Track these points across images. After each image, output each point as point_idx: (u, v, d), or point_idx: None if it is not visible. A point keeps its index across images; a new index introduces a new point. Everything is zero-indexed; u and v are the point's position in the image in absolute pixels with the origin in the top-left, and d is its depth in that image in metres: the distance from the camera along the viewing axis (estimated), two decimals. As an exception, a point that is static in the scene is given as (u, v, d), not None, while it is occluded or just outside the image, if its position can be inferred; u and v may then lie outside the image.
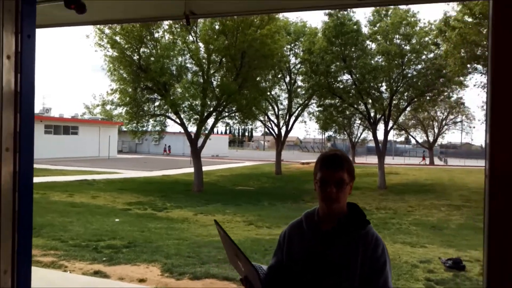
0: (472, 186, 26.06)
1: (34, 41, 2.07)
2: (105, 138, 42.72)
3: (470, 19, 16.78)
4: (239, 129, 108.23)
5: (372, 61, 24.21)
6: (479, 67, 18.36)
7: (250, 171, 34.98)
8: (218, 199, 20.24)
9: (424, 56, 23.80)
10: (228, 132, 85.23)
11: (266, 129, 36.22)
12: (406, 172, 34.76)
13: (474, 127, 46.72)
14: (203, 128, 23.31)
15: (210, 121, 23.81)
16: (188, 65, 22.68)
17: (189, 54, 21.86)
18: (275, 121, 31.83)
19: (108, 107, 22.32)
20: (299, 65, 29.58)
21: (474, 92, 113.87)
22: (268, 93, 28.40)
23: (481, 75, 18.94)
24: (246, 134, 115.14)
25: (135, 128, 23.01)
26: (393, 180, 27.82)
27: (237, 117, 25.88)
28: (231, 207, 18.20)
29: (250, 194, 23.10)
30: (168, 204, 18.32)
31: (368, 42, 24.69)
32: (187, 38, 21.93)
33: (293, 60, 30.09)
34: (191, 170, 25.37)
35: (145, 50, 21.78)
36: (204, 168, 24.25)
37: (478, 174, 34.46)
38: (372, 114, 25.94)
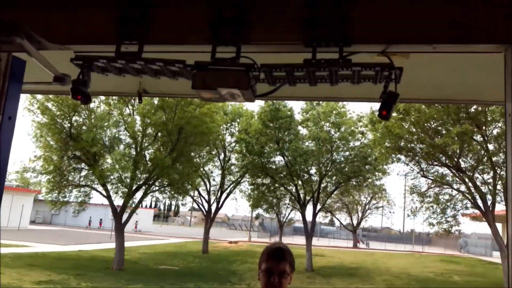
0: (394, 271, 26.87)
1: (15, 122, 2.00)
2: (17, 206, 39.16)
3: (394, 114, 18.43)
4: (165, 203, 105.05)
5: (304, 146, 25.30)
6: (402, 157, 19.88)
7: (175, 249, 33.52)
8: (140, 279, 18.94)
9: (351, 144, 25.37)
10: (153, 206, 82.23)
11: (194, 205, 35.46)
12: (332, 254, 35.27)
13: (393, 212, 49.26)
14: (131, 202, 22.29)
15: (139, 194, 22.91)
16: (122, 136, 22.18)
17: (124, 126, 21.46)
18: (206, 197, 31.40)
19: (28, 174, 20.80)
20: (234, 144, 30.11)
21: (394, 180, 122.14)
22: (201, 169, 28.27)
23: (404, 165, 20.51)
24: (173, 208, 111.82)
25: (55, 198, 21.46)
26: (319, 263, 27.98)
27: (167, 192, 25.18)
28: (153, 288, 17.06)
29: (175, 274, 21.90)
30: (83, 284, 16.75)
31: (300, 127, 25.99)
32: (124, 110, 21.69)
33: (228, 138, 30.66)
34: (111, 245, 23.74)
35: (78, 118, 21.10)
36: (125, 244, 22.86)
37: (398, 258, 35.81)
38: (301, 196, 26.54)
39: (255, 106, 36.35)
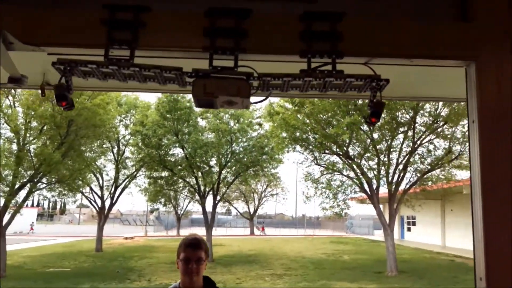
0: (290, 255, 28.25)
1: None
2: None
3: (290, 106, 19.27)
4: (49, 201, 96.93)
5: (204, 137, 25.18)
6: (298, 147, 20.87)
7: (64, 249, 31.16)
8: (26, 285, 17.30)
9: (250, 135, 25.89)
10: (37, 204, 75.39)
11: (83, 201, 33.31)
12: (230, 243, 35.86)
13: (287, 199, 51.62)
14: (14, 201, 20.15)
15: (24, 193, 20.79)
16: (2, 130, 19.86)
17: (3, 119, 19.21)
18: (99, 192, 29.66)
19: None
20: (129, 137, 28.79)
21: (288, 168, 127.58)
22: (94, 164, 26.58)
23: (300, 154, 21.59)
24: (58, 206, 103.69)
25: None
26: (219, 252, 28.26)
27: (56, 189, 23.24)
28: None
29: (67, 276, 20.36)
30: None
31: (200, 119, 25.79)
32: (3, 101, 19.40)
33: (123, 131, 29.21)
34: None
35: None
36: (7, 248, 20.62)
37: (293, 242, 37.72)
38: (202, 188, 26.46)
39: (153, 97, 35.14)
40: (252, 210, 49.47)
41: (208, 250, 2.58)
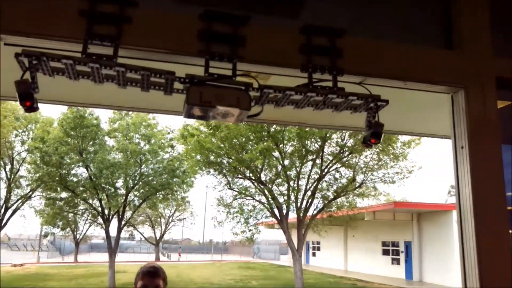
0: (198, 281, 27.53)
1: None
2: None
3: (205, 129, 19.07)
4: None
5: (111, 157, 23.86)
6: (211, 170, 20.64)
7: None
8: None
9: (161, 157, 25.08)
10: None
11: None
12: (134, 270, 33.85)
13: (195, 224, 50.70)
14: None
15: None
16: None
17: None
18: (-16, 216, 26.47)
19: None
20: (25, 154, 26.32)
21: (197, 192, 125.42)
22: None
23: (213, 177, 21.31)
24: None
25: None
26: (122, 279, 26.62)
27: None
28: None
29: None
30: None
31: (107, 138, 24.45)
32: None
33: (18, 147, 26.62)
34: None
35: None
36: None
37: (200, 268, 36.90)
38: (106, 211, 24.90)
39: (57, 112, 32.74)
40: (158, 235, 47.64)
41: (166, 278, 2.58)
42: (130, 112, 24.18)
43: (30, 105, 1.64)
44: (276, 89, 1.81)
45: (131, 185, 24.51)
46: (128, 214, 27.31)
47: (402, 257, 27.24)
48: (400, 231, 27.18)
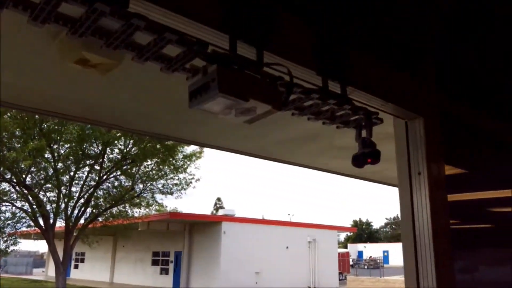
0: None
1: None
2: None
3: None
4: None
5: None
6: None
7: None
8: None
9: None
10: None
11: None
12: None
13: None
14: None
15: None
16: None
17: None
18: None
19: None
20: None
21: None
22: None
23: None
24: None
25: None
26: None
27: None
28: None
29: None
30: None
31: None
32: None
33: None
34: None
35: None
36: None
37: None
38: None
39: None
40: None
41: None
42: None
43: None
44: (295, 87, 1.53)
45: None
46: None
47: (171, 267, 27.65)
48: (172, 241, 27.61)
